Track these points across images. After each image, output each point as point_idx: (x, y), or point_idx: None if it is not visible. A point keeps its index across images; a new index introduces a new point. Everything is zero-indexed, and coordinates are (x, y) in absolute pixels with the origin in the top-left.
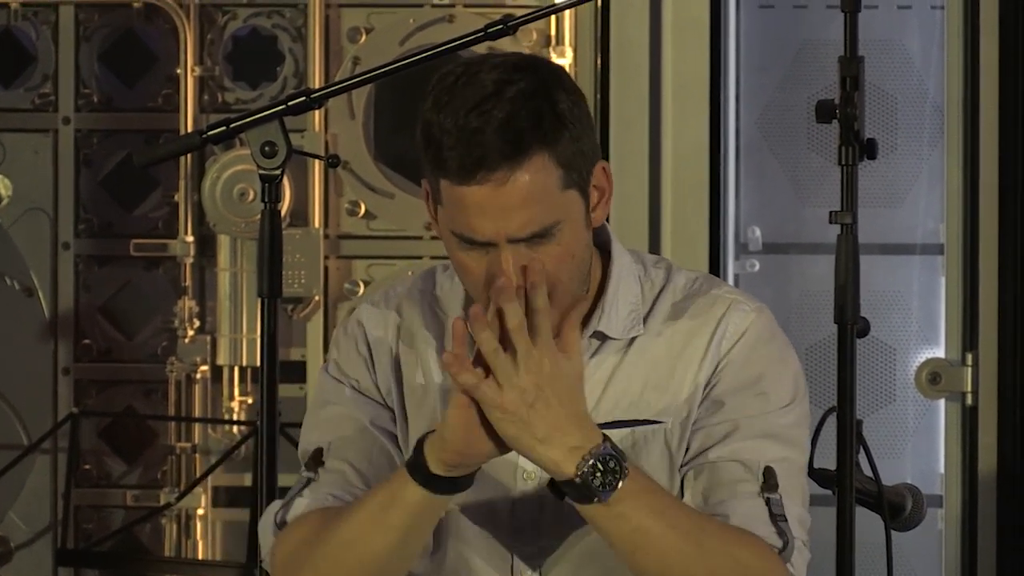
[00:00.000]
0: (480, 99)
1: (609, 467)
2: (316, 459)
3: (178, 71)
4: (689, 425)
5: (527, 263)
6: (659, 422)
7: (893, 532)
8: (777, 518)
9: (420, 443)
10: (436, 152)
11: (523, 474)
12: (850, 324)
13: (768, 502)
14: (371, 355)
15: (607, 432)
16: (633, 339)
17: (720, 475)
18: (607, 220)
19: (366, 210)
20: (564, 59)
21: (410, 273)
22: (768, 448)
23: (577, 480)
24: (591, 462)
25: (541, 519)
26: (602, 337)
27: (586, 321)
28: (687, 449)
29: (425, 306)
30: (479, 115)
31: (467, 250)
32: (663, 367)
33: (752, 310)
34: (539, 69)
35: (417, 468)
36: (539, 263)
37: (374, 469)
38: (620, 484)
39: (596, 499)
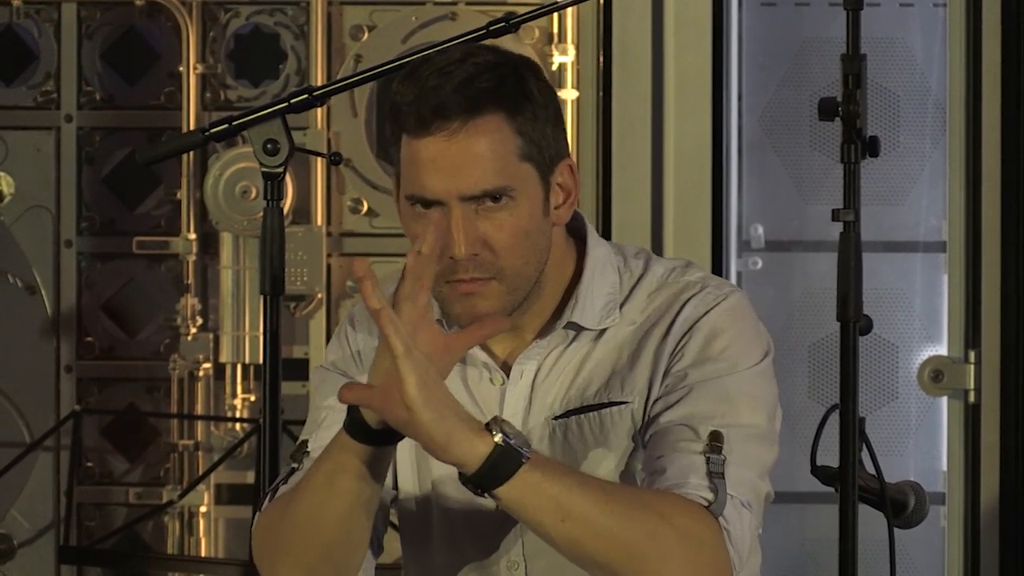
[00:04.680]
0: (445, 64)
1: (514, 440)
2: (300, 449)
3: (180, 69)
4: (651, 401)
5: (476, 236)
6: (625, 403)
7: (896, 529)
8: (713, 475)
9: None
10: (397, 113)
11: None
12: (853, 322)
13: (708, 461)
14: (360, 351)
15: (577, 418)
16: (606, 328)
17: (667, 436)
18: (608, 221)
19: (368, 208)
20: (566, 57)
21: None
22: (721, 413)
23: (501, 446)
24: (498, 436)
25: None
26: (576, 328)
27: (560, 312)
28: (648, 420)
29: None
30: (440, 75)
31: (419, 217)
32: (629, 349)
33: (722, 293)
34: (511, 54)
35: (355, 425)
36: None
37: None
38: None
39: (524, 459)
